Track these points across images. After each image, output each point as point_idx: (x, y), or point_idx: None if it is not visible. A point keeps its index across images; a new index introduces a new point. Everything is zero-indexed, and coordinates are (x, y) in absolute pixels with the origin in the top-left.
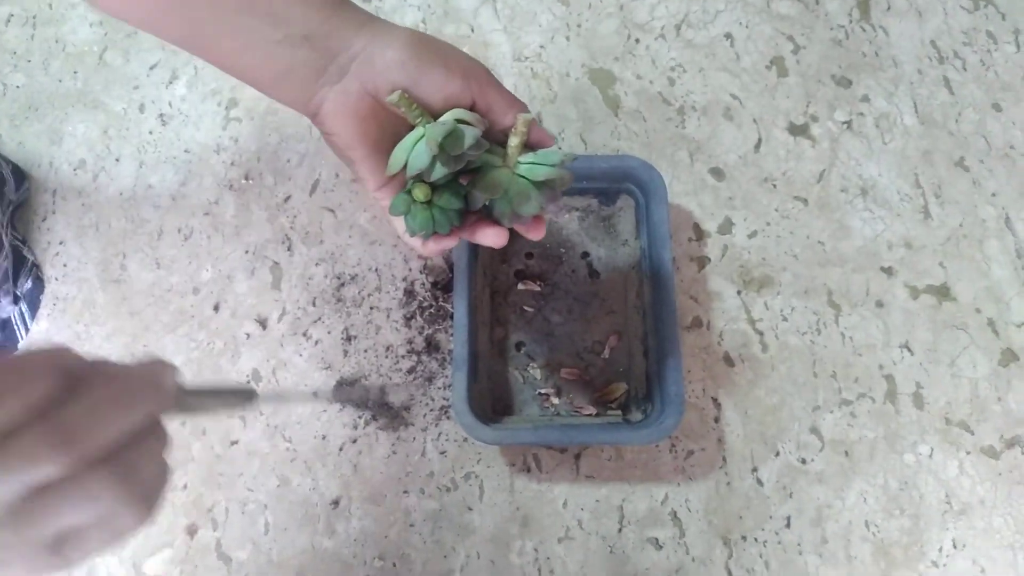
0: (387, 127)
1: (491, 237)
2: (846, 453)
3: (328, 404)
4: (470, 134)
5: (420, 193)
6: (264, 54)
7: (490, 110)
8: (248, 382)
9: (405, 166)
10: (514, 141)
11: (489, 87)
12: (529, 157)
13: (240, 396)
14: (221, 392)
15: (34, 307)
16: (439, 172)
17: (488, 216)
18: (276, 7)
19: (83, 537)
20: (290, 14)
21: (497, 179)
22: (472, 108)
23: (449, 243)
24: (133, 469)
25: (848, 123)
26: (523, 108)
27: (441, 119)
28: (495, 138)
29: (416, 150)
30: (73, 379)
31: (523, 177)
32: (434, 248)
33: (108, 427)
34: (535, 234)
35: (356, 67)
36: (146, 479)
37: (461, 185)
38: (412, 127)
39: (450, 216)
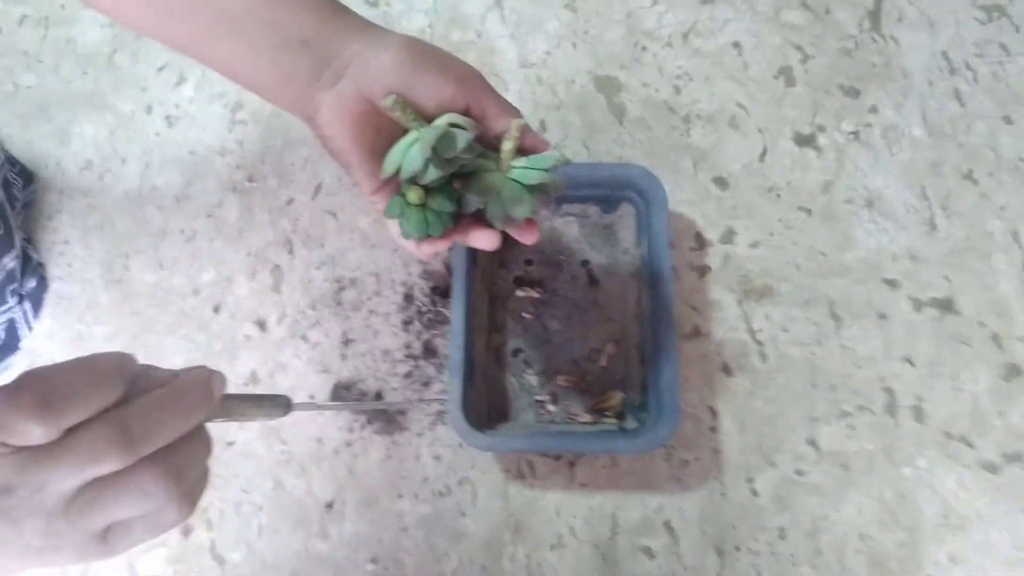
0: (382, 131)
1: (484, 240)
2: (843, 465)
3: (359, 414)
4: (463, 137)
5: (413, 196)
6: (264, 59)
7: (484, 115)
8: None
9: (399, 169)
10: (507, 145)
11: (483, 92)
12: (522, 161)
13: (277, 404)
14: (260, 399)
15: (37, 306)
16: (432, 175)
17: (481, 219)
18: (277, 14)
19: (129, 529)
20: (290, 20)
21: (490, 182)
22: (466, 113)
23: (442, 245)
24: (181, 469)
25: (855, 133)
26: (517, 113)
27: (435, 123)
28: (489, 143)
29: (410, 153)
30: (132, 383)
31: (516, 181)
32: (427, 250)
33: (164, 429)
34: (528, 238)
35: (352, 71)
36: (192, 479)
37: (454, 189)
38: (406, 131)
39: (443, 219)
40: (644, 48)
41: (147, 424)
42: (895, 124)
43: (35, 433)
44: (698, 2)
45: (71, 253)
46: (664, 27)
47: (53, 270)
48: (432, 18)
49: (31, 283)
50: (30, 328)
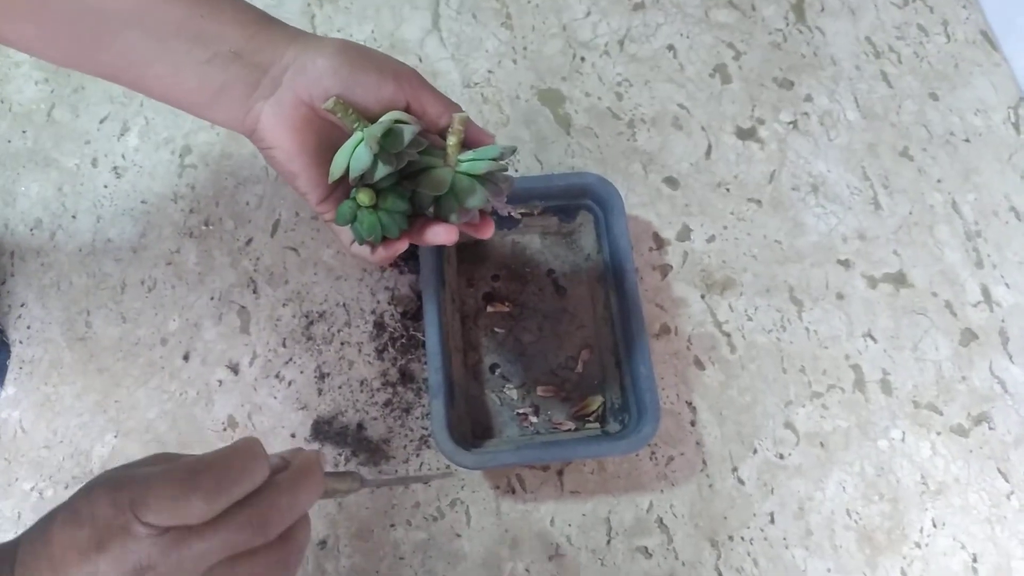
0: (325, 137)
1: (441, 234)
2: (821, 444)
3: (425, 485)
4: (408, 131)
5: (365, 197)
6: (195, 76)
7: (425, 112)
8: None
9: (347, 172)
10: (452, 140)
11: (422, 89)
12: (469, 154)
13: (355, 479)
14: (342, 476)
15: (1, 373)
16: (381, 172)
17: (435, 219)
18: (204, 28)
19: None
20: (218, 34)
21: (440, 177)
22: (407, 110)
23: (399, 247)
24: (301, 545)
25: (793, 123)
26: (457, 108)
27: (379, 120)
28: (433, 140)
29: (356, 153)
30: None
31: (465, 173)
32: (383, 255)
33: (298, 509)
34: (483, 232)
35: (289, 78)
36: (302, 557)
37: (405, 188)
38: (350, 135)
39: (397, 220)
40: (583, 59)
41: (288, 505)
42: (830, 110)
43: (198, 514)
44: (629, 9)
45: (29, 315)
46: (599, 36)
47: (12, 334)
48: (371, 46)
49: None
50: None
